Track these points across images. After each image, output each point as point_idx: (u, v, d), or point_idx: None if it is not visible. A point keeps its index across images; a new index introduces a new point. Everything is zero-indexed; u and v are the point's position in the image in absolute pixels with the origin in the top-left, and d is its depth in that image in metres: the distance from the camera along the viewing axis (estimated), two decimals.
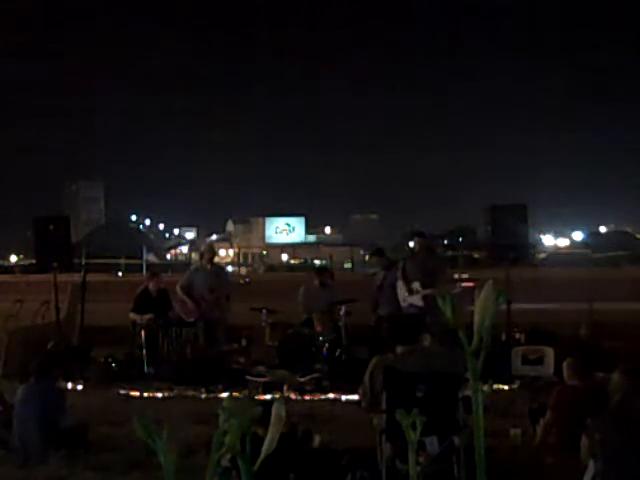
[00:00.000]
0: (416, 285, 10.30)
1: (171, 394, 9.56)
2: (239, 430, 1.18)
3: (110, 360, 10.76)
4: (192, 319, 10.94)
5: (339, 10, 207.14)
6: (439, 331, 8.69)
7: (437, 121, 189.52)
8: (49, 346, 10.86)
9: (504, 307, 9.67)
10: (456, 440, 5.33)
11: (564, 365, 6.82)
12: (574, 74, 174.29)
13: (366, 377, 5.74)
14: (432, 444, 5.18)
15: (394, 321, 6.47)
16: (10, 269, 32.46)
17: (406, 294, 10.37)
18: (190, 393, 9.54)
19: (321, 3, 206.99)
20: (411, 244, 10.96)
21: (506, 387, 9.26)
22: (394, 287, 10.70)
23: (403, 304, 10.35)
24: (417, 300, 10.22)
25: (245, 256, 75.83)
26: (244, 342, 11.10)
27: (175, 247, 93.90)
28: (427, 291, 10.06)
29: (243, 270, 47.50)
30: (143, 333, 10.64)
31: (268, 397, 9.07)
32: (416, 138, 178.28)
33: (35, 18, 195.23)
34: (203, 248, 13.51)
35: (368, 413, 5.97)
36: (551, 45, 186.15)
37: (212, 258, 11.84)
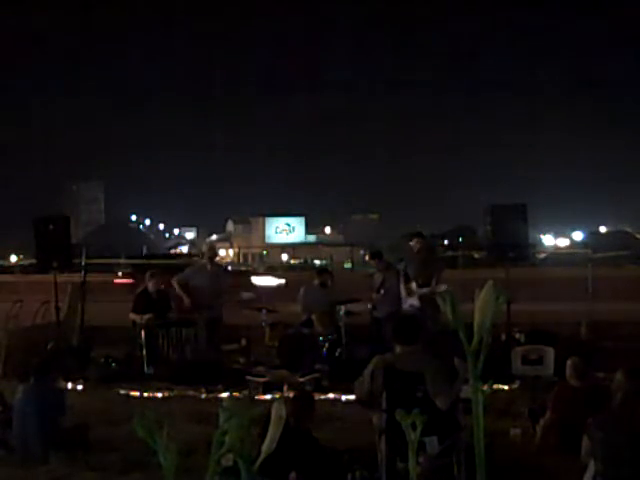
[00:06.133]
0: (412, 286, 10.35)
1: (171, 394, 9.55)
2: (239, 430, 1.18)
3: (110, 360, 10.75)
4: (188, 315, 10.95)
5: (339, 11, 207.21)
6: (436, 330, 8.71)
7: (437, 121, 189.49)
8: (49, 346, 10.86)
9: (504, 307, 9.67)
10: (456, 440, 5.33)
11: (567, 364, 6.82)
12: (574, 73, 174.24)
13: (366, 372, 5.74)
14: (432, 444, 5.18)
15: (395, 321, 6.48)
16: (10, 269, 32.40)
17: (406, 296, 10.43)
18: (190, 393, 9.53)
19: (323, 3, 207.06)
20: (411, 244, 10.96)
21: (506, 387, 9.25)
22: (393, 289, 10.73)
23: (404, 305, 10.40)
24: (414, 300, 10.25)
25: (245, 256, 75.74)
26: (244, 342, 11.09)
27: (175, 247, 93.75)
28: (423, 290, 10.10)
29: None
30: (143, 333, 10.63)
31: (268, 397, 9.08)
32: (416, 138, 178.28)
33: (35, 19, 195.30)
34: (204, 247, 13.52)
35: (360, 405, 5.98)
36: (551, 45, 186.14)
37: (213, 258, 11.82)
